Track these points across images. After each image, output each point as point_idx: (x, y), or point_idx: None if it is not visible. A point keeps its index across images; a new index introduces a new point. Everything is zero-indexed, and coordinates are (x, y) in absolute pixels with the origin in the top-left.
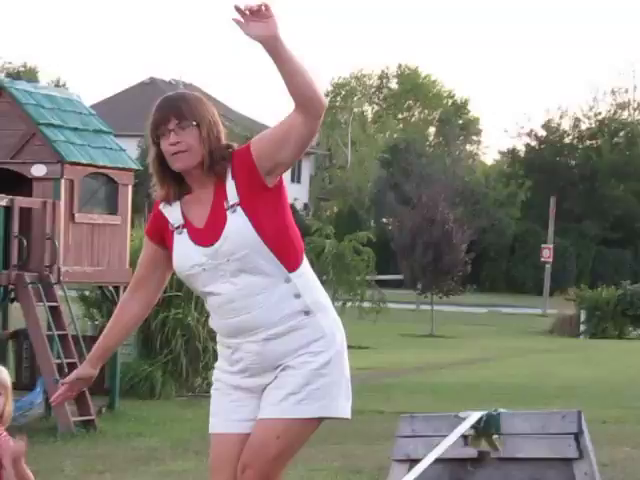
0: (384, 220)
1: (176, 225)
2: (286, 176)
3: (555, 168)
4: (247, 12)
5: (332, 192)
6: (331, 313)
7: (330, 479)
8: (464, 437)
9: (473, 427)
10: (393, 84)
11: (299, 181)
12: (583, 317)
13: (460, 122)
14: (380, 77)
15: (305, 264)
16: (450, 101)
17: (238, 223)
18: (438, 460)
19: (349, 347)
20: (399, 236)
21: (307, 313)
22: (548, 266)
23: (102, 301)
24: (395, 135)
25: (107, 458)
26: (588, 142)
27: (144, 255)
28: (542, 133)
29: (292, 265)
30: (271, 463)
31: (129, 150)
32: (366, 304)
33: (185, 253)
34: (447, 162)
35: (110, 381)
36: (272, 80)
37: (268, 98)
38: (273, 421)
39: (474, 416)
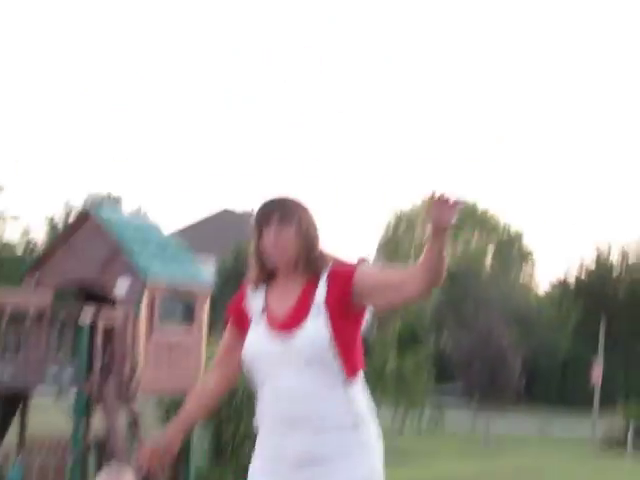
0: (443, 338)
1: (257, 309)
2: None
3: (604, 297)
4: (444, 200)
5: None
6: (374, 427)
7: None
8: None
9: None
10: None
11: None
12: (631, 431)
13: (514, 253)
14: None
15: (361, 378)
16: (505, 233)
17: (318, 323)
18: None
19: (411, 457)
20: (457, 355)
21: (355, 425)
22: (597, 386)
23: (179, 406)
24: (454, 262)
25: None
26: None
27: (224, 336)
28: (592, 267)
29: (351, 376)
30: None
31: (206, 270)
32: (425, 418)
33: (258, 338)
34: (502, 288)
35: None
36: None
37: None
38: None
39: None
